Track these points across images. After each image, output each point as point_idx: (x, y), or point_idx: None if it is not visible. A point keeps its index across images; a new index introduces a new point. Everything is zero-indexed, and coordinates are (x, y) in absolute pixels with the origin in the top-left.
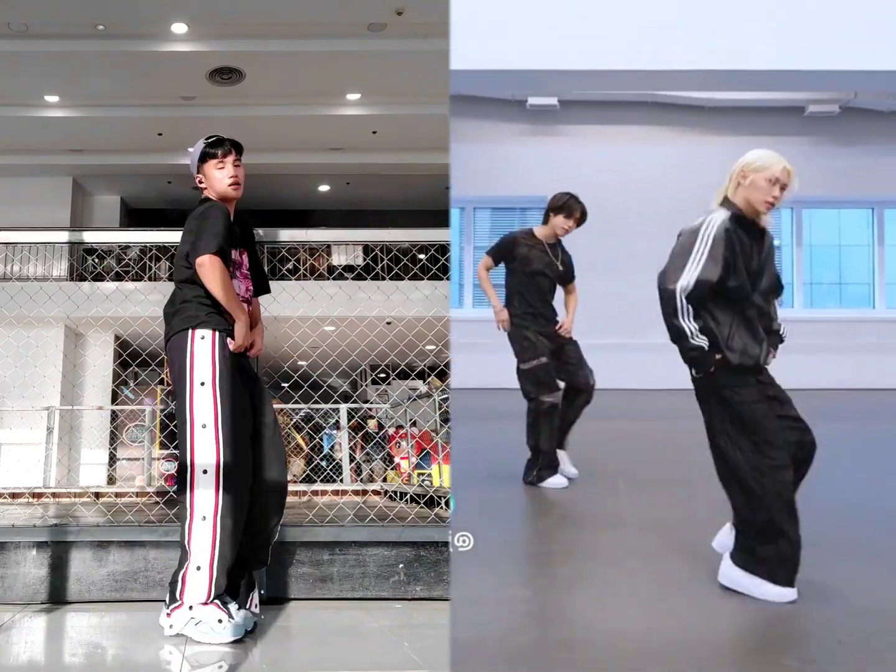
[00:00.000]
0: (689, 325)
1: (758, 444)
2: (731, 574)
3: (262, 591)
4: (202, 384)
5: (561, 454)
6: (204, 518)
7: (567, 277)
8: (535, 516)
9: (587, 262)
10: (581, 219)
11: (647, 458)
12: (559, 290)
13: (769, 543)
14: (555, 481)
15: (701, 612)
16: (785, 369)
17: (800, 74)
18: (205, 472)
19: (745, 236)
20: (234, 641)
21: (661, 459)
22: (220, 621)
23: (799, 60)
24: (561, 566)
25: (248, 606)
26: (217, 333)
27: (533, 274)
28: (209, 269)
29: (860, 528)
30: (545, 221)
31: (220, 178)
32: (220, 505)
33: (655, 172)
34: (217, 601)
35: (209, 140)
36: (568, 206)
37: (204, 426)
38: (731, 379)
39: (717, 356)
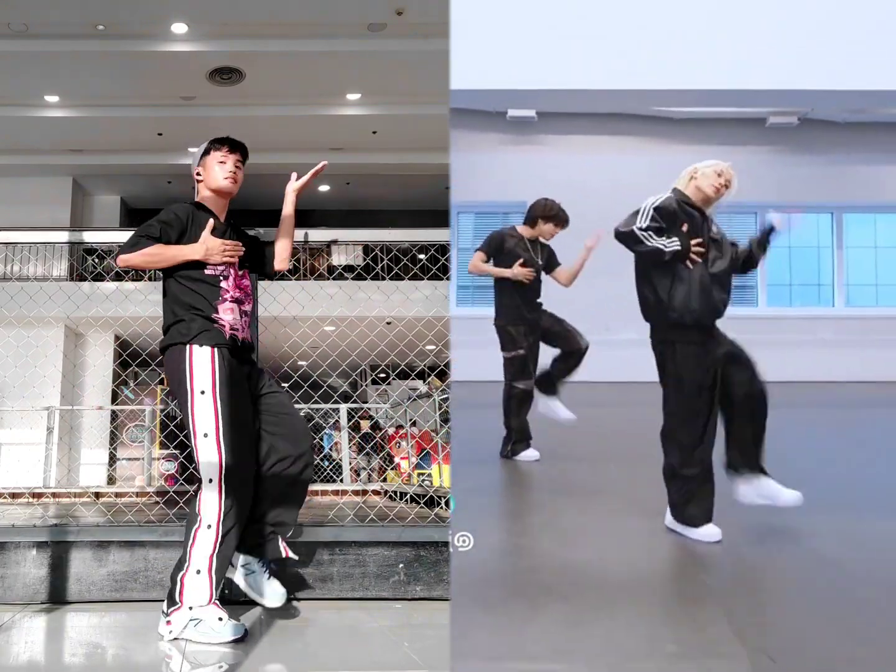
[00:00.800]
0: (646, 237)
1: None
2: (671, 522)
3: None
4: (202, 392)
5: (554, 401)
6: (209, 526)
7: (551, 266)
8: (535, 516)
9: (564, 262)
10: (565, 225)
11: (632, 444)
12: (547, 289)
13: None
14: (528, 454)
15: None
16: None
17: (759, 93)
18: (210, 480)
19: (687, 214)
20: (234, 641)
21: (640, 443)
22: (220, 619)
23: (759, 80)
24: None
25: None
26: (215, 350)
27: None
28: (123, 265)
29: None
30: (531, 225)
31: (219, 171)
32: (223, 512)
33: (627, 178)
34: (217, 601)
35: (218, 138)
36: (558, 216)
37: (206, 435)
38: (675, 334)
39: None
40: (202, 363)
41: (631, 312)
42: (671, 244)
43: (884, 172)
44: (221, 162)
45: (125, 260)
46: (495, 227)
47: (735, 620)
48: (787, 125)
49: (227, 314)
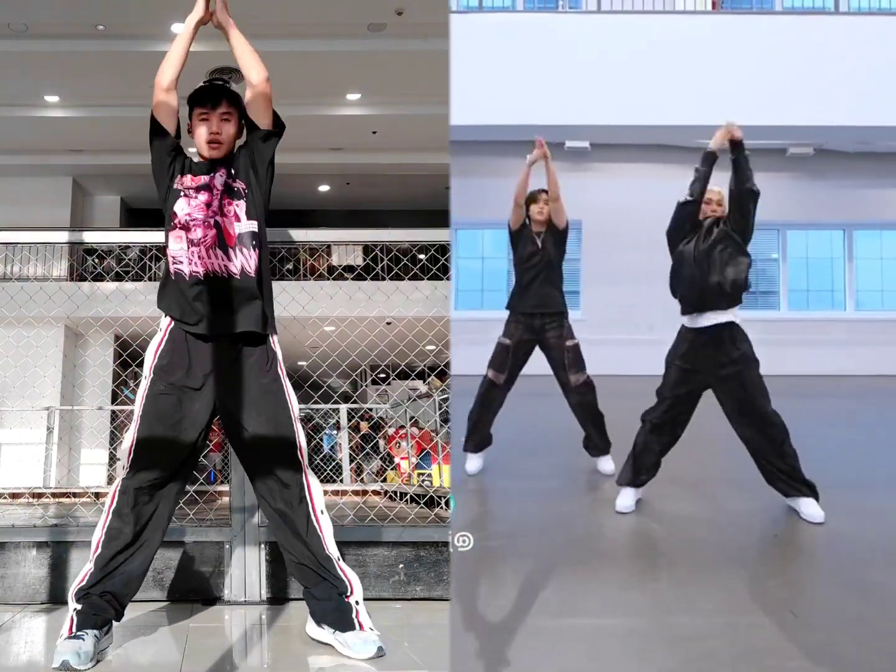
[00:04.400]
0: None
1: None
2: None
3: (262, 591)
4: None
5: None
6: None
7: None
8: (534, 515)
9: (608, 273)
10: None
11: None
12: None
13: None
14: (471, 464)
15: None
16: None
17: (779, 129)
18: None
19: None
20: (234, 641)
21: None
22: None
23: (779, 117)
24: (561, 564)
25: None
26: (173, 322)
27: (521, 258)
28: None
29: None
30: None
31: (200, 134)
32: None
33: (667, 201)
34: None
35: (200, 85)
36: (534, 196)
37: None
38: None
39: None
40: (153, 342)
41: (672, 314)
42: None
43: (888, 195)
44: (202, 119)
45: None
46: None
47: (758, 583)
48: (805, 155)
49: (174, 243)
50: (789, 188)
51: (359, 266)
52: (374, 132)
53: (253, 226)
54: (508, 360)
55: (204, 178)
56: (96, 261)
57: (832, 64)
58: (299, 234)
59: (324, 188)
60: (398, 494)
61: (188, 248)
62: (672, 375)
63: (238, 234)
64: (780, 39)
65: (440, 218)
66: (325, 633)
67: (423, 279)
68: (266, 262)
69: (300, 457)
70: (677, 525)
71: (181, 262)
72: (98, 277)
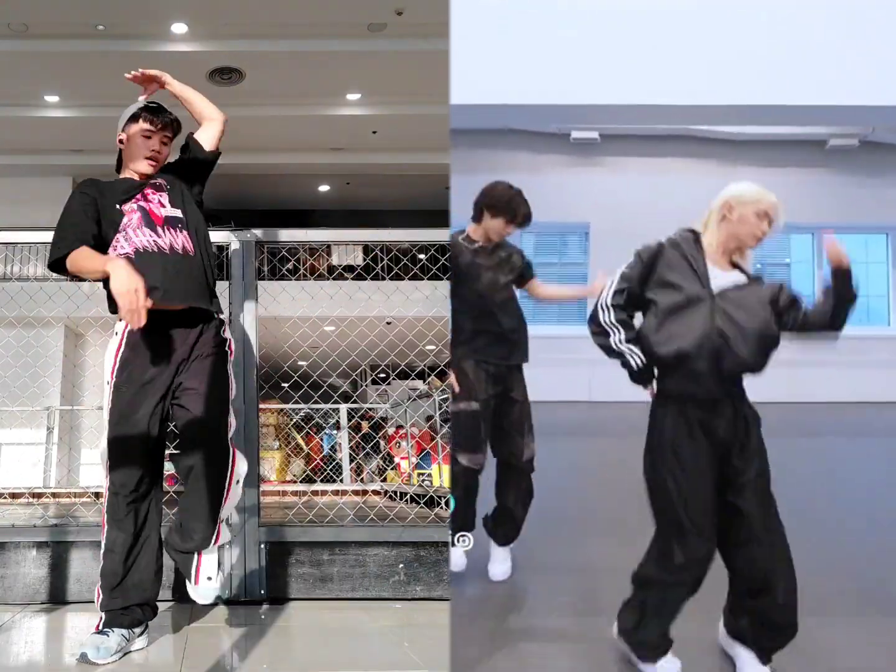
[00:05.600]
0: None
1: None
2: None
3: (262, 591)
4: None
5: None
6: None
7: (524, 277)
8: (535, 516)
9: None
10: (522, 222)
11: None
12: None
13: None
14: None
15: None
16: None
17: (820, 109)
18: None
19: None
20: (234, 641)
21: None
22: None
23: (819, 96)
24: (560, 564)
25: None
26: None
27: (478, 286)
28: (69, 271)
29: None
30: (477, 220)
31: (140, 146)
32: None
33: (689, 200)
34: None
35: (150, 104)
36: (511, 208)
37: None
38: None
39: None
40: (111, 347)
41: None
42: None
43: None
44: (146, 136)
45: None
46: (553, 245)
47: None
48: (848, 147)
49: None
50: (828, 185)
51: (359, 266)
52: (374, 132)
53: (178, 213)
54: (480, 426)
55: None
56: None
57: (881, 35)
58: (299, 234)
59: (324, 188)
60: (398, 494)
61: (115, 236)
62: None
63: (164, 217)
64: (819, 8)
65: (440, 218)
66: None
67: (423, 279)
68: (206, 249)
69: (229, 441)
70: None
71: (112, 252)
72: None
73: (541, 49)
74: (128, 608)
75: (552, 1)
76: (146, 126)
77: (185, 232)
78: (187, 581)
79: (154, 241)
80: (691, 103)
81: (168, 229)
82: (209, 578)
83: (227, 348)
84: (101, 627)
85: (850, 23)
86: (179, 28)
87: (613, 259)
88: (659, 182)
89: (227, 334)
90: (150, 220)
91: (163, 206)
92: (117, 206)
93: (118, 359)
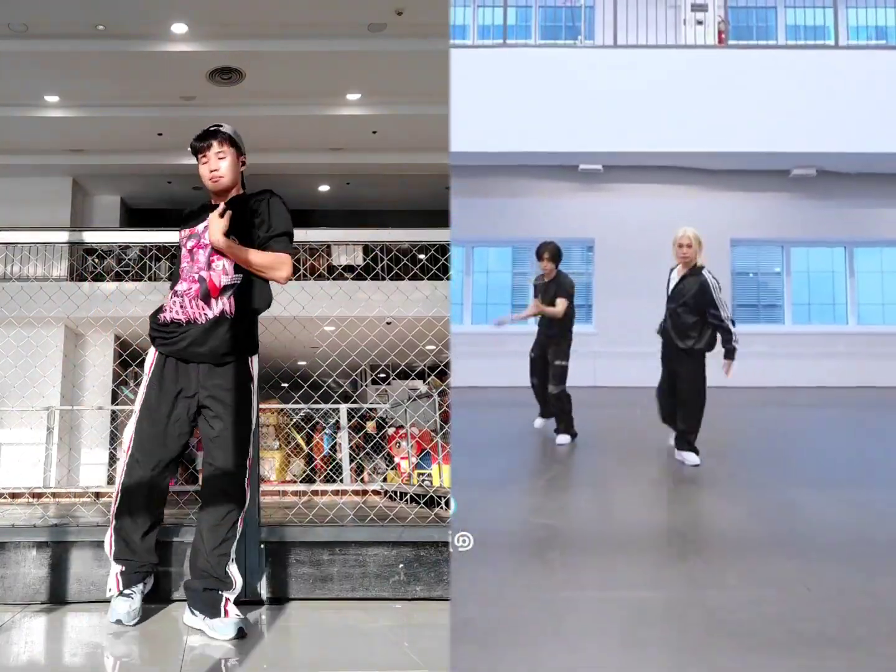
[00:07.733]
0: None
1: None
2: None
3: (262, 592)
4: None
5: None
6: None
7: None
8: (535, 516)
9: (619, 288)
10: (552, 259)
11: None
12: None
13: None
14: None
15: None
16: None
17: (781, 155)
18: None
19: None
20: (235, 641)
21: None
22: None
23: (780, 143)
24: (561, 564)
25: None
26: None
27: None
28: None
29: None
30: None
31: (203, 174)
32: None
33: (677, 217)
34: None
35: (197, 136)
36: (539, 254)
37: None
38: None
39: None
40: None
41: None
42: None
43: (887, 213)
44: (203, 163)
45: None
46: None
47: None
48: (808, 175)
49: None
50: (792, 207)
51: (359, 266)
52: (374, 132)
53: (238, 279)
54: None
55: (198, 228)
56: (96, 261)
57: (833, 94)
58: (299, 234)
59: (324, 188)
60: (398, 494)
61: (171, 297)
62: None
63: (223, 287)
64: (783, 71)
65: (440, 218)
66: (196, 620)
67: (423, 279)
68: (248, 306)
69: (247, 469)
70: (676, 524)
71: (166, 311)
72: (98, 277)
73: (547, 101)
74: (138, 565)
75: (555, 62)
76: (200, 155)
77: (233, 298)
78: (206, 620)
79: (203, 313)
80: (679, 150)
81: (220, 298)
82: (237, 614)
83: (250, 378)
84: (121, 589)
85: (807, 86)
86: (179, 28)
87: (614, 267)
88: (652, 204)
89: (254, 369)
90: (206, 293)
91: (226, 273)
92: (192, 222)
93: (153, 365)
